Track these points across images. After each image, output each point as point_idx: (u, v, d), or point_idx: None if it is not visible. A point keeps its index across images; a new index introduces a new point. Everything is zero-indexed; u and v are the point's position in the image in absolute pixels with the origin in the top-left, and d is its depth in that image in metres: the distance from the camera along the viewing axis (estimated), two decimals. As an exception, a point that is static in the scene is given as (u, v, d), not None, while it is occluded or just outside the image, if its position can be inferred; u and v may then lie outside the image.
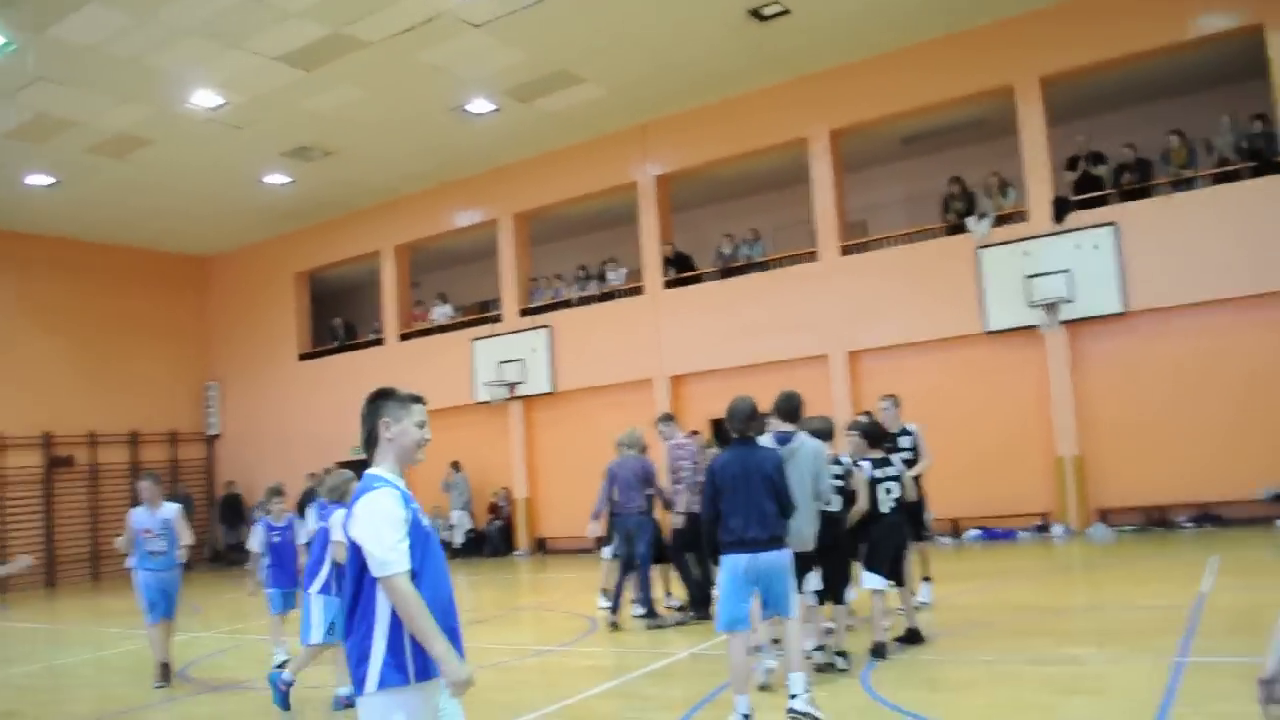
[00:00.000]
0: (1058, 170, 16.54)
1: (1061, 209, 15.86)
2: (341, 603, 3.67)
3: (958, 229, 16.94)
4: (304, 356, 25.67)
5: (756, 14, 15.56)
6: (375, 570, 3.40)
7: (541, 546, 21.17)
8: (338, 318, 26.10)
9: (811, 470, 6.98)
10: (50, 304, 24.09)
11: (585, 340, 20.45)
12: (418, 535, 3.53)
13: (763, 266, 19.25)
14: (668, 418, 11.34)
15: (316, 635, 7.94)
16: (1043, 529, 15.92)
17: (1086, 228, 15.63)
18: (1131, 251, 15.31)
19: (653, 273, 19.92)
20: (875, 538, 8.03)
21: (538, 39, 15.83)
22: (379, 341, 24.26)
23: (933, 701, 6.58)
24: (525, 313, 21.69)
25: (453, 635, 3.51)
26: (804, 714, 6.10)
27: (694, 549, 10.41)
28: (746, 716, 6.04)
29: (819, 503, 7.12)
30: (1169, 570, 11.54)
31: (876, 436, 8.41)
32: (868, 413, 9.96)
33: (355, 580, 3.51)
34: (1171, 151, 15.97)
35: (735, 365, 18.36)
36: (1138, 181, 15.90)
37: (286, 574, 9.83)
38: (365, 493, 3.52)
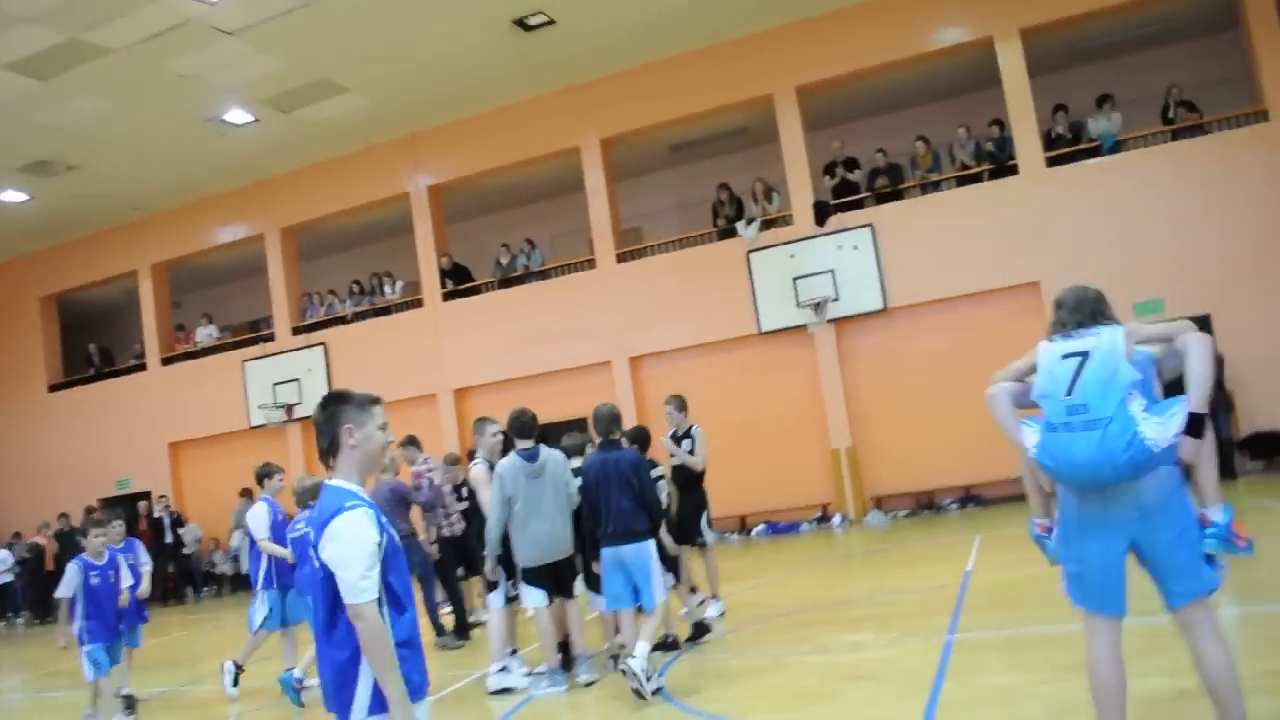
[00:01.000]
0: (817, 175, 17.34)
1: (822, 212, 16.63)
2: (314, 629, 3.40)
3: (729, 233, 17.47)
4: (55, 387, 23.76)
5: (521, 24, 15.56)
6: (347, 596, 3.18)
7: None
8: (93, 343, 24.29)
9: (563, 480, 7.59)
10: None
11: (364, 357, 19.86)
12: (394, 553, 3.33)
13: (542, 275, 19.26)
14: (408, 441, 11.00)
15: (260, 623, 8.77)
16: (824, 519, 16.62)
17: (847, 229, 16.46)
18: (888, 251, 16.24)
19: (430, 285, 19.58)
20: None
21: (295, 47, 15.26)
22: (141, 367, 22.76)
23: (723, 697, 6.72)
24: (298, 331, 20.87)
25: (419, 653, 3.38)
26: (635, 672, 6.68)
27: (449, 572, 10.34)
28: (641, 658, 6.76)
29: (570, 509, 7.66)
30: (938, 552, 12.24)
31: (644, 441, 8.75)
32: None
33: (329, 604, 3.26)
34: (918, 157, 17.04)
35: (520, 375, 18.28)
36: (890, 185, 16.87)
37: (108, 624, 8.31)
38: (340, 513, 3.25)
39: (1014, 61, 15.85)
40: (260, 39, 14.77)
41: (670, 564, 8.25)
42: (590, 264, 18.54)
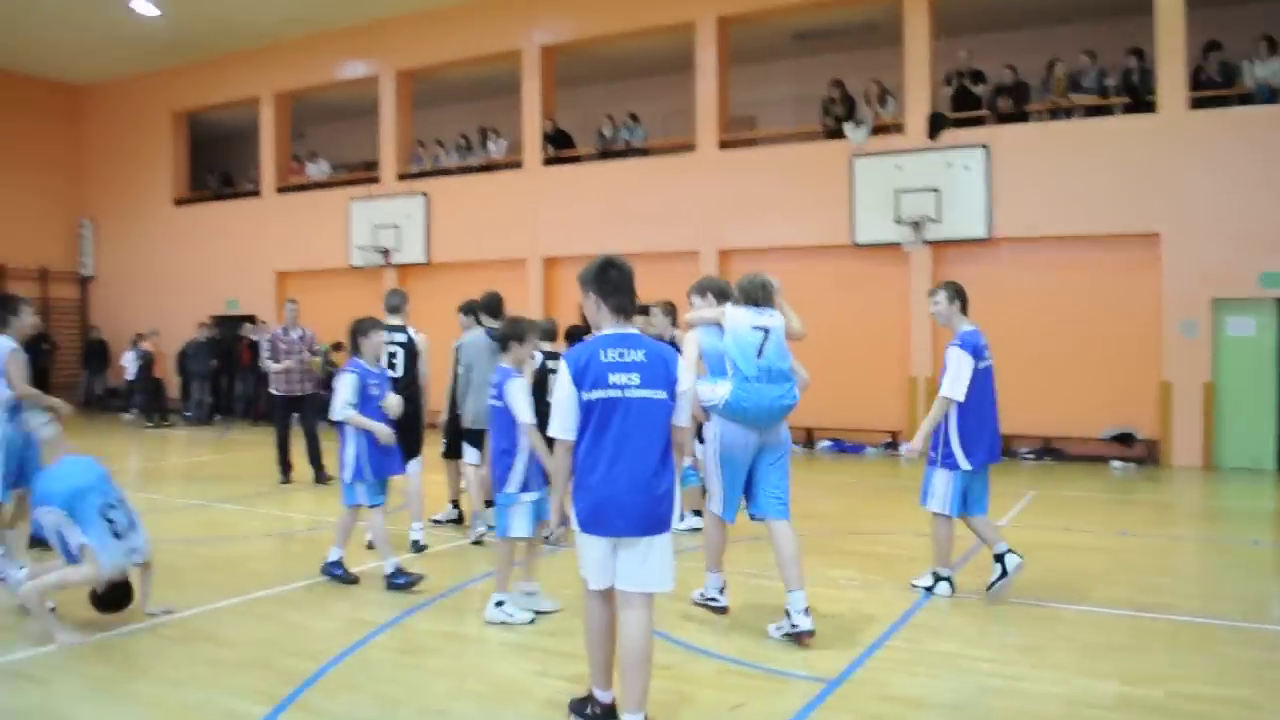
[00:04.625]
0: (937, 86, 16.26)
1: (937, 125, 15.63)
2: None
3: (836, 134, 16.63)
4: (180, 202, 24.68)
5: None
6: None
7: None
8: (216, 164, 25.00)
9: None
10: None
11: (461, 212, 19.89)
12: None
13: (643, 153, 18.79)
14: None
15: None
16: (891, 445, 16.06)
17: (959, 147, 15.45)
18: (1001, 177, 15.21)
19: (531, 148, 19.33)
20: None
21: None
22: (256, 193, 23.34)
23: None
24: (404, 177, 20.99)
25: None
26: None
27: None
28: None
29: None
30: (994, 499, 11.49)
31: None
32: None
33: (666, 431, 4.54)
34: (1055, 79, 15.70)
35: (608, 252, 17.93)
36: (1014, 105, 15.70)
37: (386, 450, 7.14)
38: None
39: (1171, -13, 14.30)
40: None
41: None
42: (691, 147, 17.96)
